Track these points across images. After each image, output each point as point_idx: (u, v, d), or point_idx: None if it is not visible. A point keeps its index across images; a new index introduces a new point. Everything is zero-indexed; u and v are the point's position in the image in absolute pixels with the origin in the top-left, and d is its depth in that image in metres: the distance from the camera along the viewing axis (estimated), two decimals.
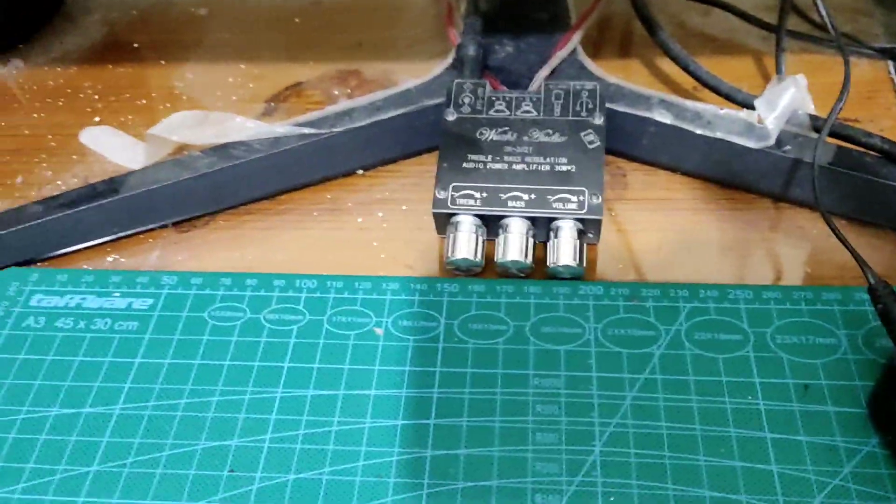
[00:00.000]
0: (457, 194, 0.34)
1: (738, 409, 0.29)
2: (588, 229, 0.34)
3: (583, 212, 0.33)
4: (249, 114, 0.40)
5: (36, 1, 0.50)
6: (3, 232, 0.36)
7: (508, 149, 0.35)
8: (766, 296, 0.32)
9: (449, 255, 0.34)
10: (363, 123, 0.38)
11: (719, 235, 0.36)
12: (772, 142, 0.35)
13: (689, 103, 0.37)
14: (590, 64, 0.40)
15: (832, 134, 0.35)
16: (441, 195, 0.34)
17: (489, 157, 0.35)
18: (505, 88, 0.38)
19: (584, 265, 0.33)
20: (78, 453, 0.30)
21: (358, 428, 0.29)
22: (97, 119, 0.43)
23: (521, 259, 0.33)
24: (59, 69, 0.47)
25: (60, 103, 0.45)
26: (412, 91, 0.39)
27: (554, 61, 0.39)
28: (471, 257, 0.34)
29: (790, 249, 0.35)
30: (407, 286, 0.34)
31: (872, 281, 0.30)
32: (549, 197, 0.34)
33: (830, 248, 0.33)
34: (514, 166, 0.35)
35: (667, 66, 0.42)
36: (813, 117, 0.35)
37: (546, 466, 0.28)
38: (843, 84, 0.35)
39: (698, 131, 0.36)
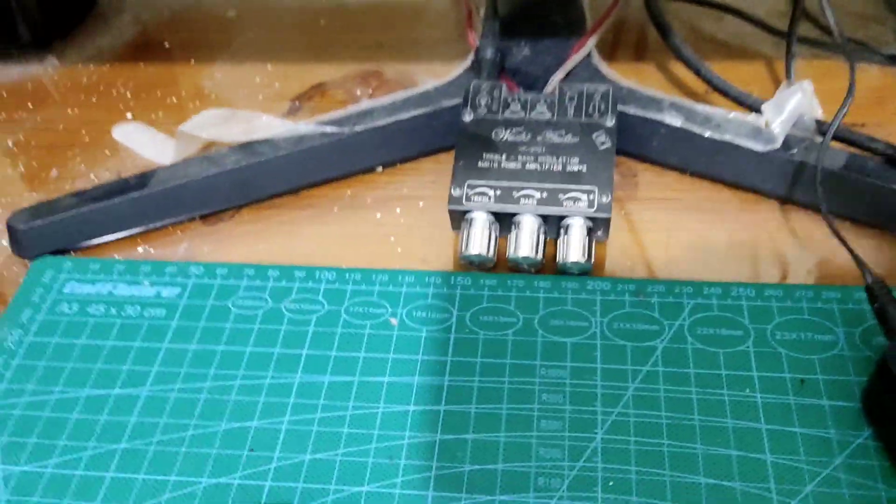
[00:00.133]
0: (471, 192, 0.36)
1: (735, 401, 0.30)
2: (597, 227, 0.35)
3: (592, 210, 0.35)
4: (275, 112, 0.42)
5: (71, 2, 0.52)
6: (38, 222, 0.38)
7: (522, 148, 0.37)
8: (767, 293, 0.33)
9: (463, 250, 0.35)
10: (383, 123, 0.39)
11: (726, 235, 0.37)
12: (778, 145, 0.36)
13: (699, 106, 0.38)
14: (604, 67, 0.41)
15: (838, 138, 0.36)
16: (456, 192, 0.36)
17: (503, 157, 0.36)
18: (521, 90, 0.40)
19: (592, 261, 0.34)
20: (107, 431, 0.31)
21: (371, 412, 0.31)
22: (129, 116, 0.45)
23: (532, 255, 0.35)
24: (92, 67, 0.49)
25: (94, 100, 0.47)
26: (431, 92, 0.41)
27: (569, 64, 0.41)
28: (484, 252, 0.35)
29: (795, 250, 0.36)
30: (422, 279, 0.35)
31: (870, 280, 0.31)
32: (560, 195, 0.35)
33: (834, 249, 0.34)
34: (527, 165, 0.36)
35: (680, 70, 0.43)
36: (819, 122, 0.36)
37: (549, 452, 0.29)
38: (847, 90, 0.36)
39: (707, 134, 0.37)
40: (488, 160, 0.36)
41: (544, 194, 0.35)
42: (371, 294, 0.35)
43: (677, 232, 0.37)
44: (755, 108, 0.37)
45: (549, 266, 0.36)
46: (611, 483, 0.28)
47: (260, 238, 0.39)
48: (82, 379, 0.33)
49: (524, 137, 0.37)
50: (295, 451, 0.30)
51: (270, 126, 0.40)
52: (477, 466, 0.29)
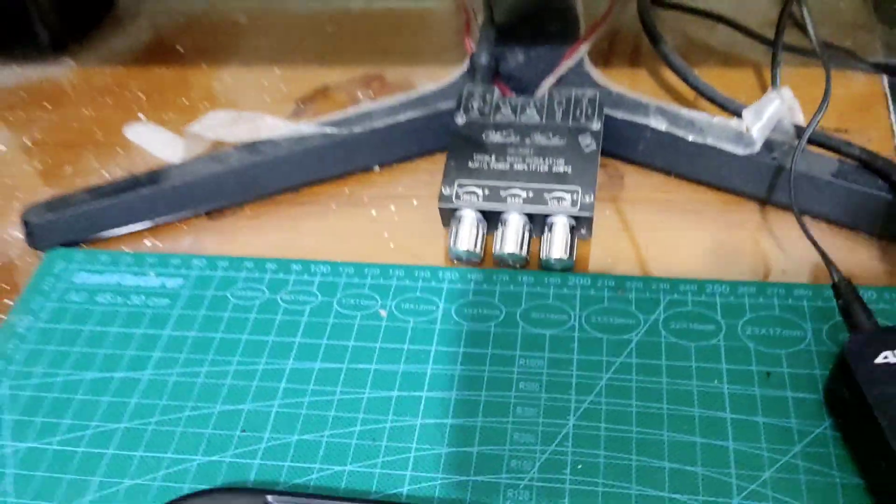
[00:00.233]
0: (461, 190, 0.37)
1: (703, 391, 0.32)
2: (580, 225, 0.37)
3: (576, 209, 0.36)
4: (280, 113, 0.44)
5: (87, 5, 0.54)
6: (52, 216, 0.40)
7: (511, 150, 0.38)
8: (741, 290, 0.35)
9: (451, 246, 0.37)
10: (381, 124, 0.41)
11: (707, 235, 0.38)
12: (757, 149, 0.37)
13: (683, 111, 0.39)
14: (595, 73, 0.43)
15: (817, 143, 0.38)
16: (446, 191, 0.37)
17: (493, 157, 0.38)
18: (513, 94, 0.41)
19: (574, 258, 0.36)
20: (109, 411, 0.33)
21: (357, 398, 0.33)
22: (141, 116, 0.47)
23: (518, 251, 0.36)
24: (107, 69, 0.51)
25: (108, 101, 0.49)
26: (428, 95, 0.42)
27: (560, 70, 0.42)
28: (471, 249, 0.36)
29: (772, 249, 0.37)
30: (411, 273, 0.37)
31: (836, 279, 0.32)
32: (545, 195, 0.37)
33: (809, 248, 0.35)
34: (515, 166, 0.38)
35: (670, 76, 0.45)
36: (798, 127, 0.38)
37: (523, 437, 0.31)
38: (822, 96, 0.37)
39: (690, 138, 0.39)
40: (478, 161, 0.38)
41: (530, 193, 0.37)
42: (363, 287, 0.37)
43: (660, 231, 0.38)
44: (737, 114, 0.39)
45: (533, 262, 0.37)
46: (579, 466, 0.30)
47: (261, 233, 0.40)
48: (88, 363, 0.35)
49: (513, 139, 0.38)
50: (284, 433, 0.32)
51: (274, 127, 0.41)
52: (454, 449, 0.31)
